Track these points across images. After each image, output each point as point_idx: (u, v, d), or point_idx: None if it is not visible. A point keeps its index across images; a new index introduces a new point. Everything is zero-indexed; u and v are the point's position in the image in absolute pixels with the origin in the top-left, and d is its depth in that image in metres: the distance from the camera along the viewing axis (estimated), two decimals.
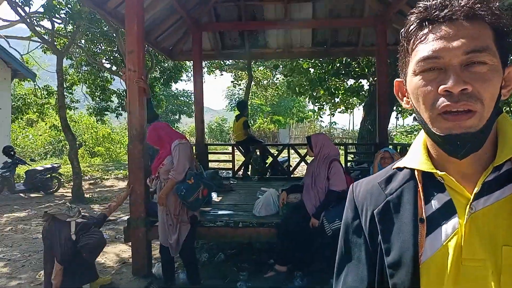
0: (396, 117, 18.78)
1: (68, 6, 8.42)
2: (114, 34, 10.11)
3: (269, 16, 7.19)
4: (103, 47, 11.46)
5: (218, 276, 4.23)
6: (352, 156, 9.29)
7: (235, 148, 8.06)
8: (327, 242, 3.59)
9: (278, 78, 19.78)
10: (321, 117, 17.32)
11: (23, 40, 11.30)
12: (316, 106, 12.82)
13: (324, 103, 12.23)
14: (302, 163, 7.89)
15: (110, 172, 13.22)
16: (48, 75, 13.86)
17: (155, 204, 4.05)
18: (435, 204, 0.74)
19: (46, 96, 12.50)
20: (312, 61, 11.03)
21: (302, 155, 7.66)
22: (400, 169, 0.83)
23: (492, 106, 0.67)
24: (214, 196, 5.37)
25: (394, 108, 10.44)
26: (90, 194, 9.40)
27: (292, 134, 27.61)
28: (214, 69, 15.32)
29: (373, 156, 5.98)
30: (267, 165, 8.06)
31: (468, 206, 0.70)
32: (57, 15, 8.20)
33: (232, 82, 17.61)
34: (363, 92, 11.33)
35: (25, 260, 4.88)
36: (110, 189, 10.36)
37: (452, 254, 0.70)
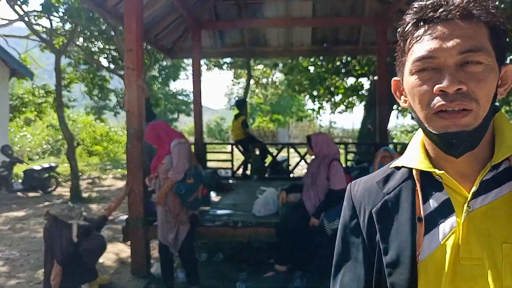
0: (396, 116, 18.78)
1: (66, 4, 8.37)
2: (112, 33, 10.07)
3: (269, 14, 7.16)
4: (101, 46, 11.41)
5: (217, 276, 4.21)
6: (352, 155, 9.27)
7: (234, 147, 8.03)
8: (326, 241, 3.57)
9: (277, 76, 19.78)
10: (320, 115, 17.30)
11: (21, 39, 11.26)
12: (315, 105, 12.81)
13: (324, 102, 12.21)
14: (302, 163, 7.88)
15: (108, 171, 13.20)
16: (46, 74, 13.84)
17: (153, 203, 4.03)
18: (433, 203, 0.75)
19: (44, 95, 12.46)
20: (312, 59, 11.02)
21: (302, 154, 7.64)
22: (398, 168, 0.83)
23: (487, 105, 0.68)
24: (213, 195, 5.35)
25: (395, 107, 10.43)
26: (88, 193, 9.37)
27: (291, 133, 27.63)
28: (212, 66, 15.29)
29: (373, 155, 5.96)
30: (266, 165, 8.04)
31: (466, 205, 0.70)
32: (54, 14, 8.15)
33: (232, 80, 17.59)
34: (363, 91, 11.32)
35: (24, 259, 4.85)
36: (108, 189, 10.33)
37: (449, 253, 0.70)
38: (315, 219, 3.69)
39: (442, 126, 0.67)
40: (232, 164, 7.80)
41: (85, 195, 8.95)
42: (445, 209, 0.73)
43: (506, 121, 0.75)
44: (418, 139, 0.82)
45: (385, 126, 6.86)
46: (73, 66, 12.18)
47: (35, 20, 8.92)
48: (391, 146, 7.34)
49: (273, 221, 4.13)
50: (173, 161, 3.58)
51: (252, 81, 17.44)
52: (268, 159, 8.13)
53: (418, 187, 0.77)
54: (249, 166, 7.97)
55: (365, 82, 11.38)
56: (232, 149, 8.01)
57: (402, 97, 0.80)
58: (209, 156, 8.00)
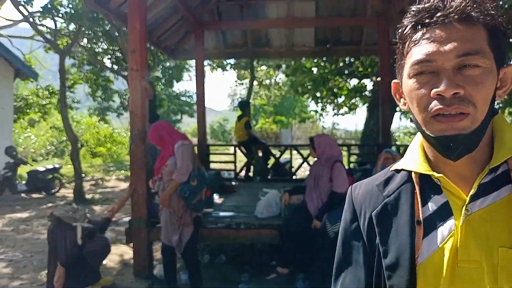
0: (399, 118, 18.73)
1: (70, 6, 8.40)
2: (116, 33, 10.10)
3: (272, 15, 7.16)
4: (105, 47, 11.45)
5: (219, 278, 4.20)
6: (355, 157, 9.25)
7: (237, 148, 8.03)
8: (329, 244, 3.55)
9: (280, 78, 19.77)
10: (323, 117, 17.29)
11: (25, 40, 11.31)
12: (318, 106, 12.79)
13: (327, 103, 12.19)
14: (304, 164, 7.87)
15: (111, 172, 13.23)
16: (50, 75, 13.89)
17: (157, 205, 4.03)
18: (432, 206, 0.75)
19: (48, 96, 12.51)
20: (315, 60, 11.00)
21: (304, 156, 7.63)
22: (398, 171, 0.84)
23: (485, 108, 0.68)
24: (216, 197, 5.34)
25: (398, 108, 10.39)
26: (92, 195, 9.39)
27: (294, 135, 27.62)
28: (216, 67, 15.30)
29: (376, 157, 5.94)
30: (269, 166, 8.03)
31: (464, 208, 0.70)
32: (56, 15, 8.15)
33: (235, 81, 17.61)
34: (366, 92, 11.29)
35: (27, 261, 4.86)
36: (112, 190, 10.35)
37: (448, 255, 0.70)
38: (318, 221, 3.68)
39: (440, 129, 0.67)
40: (235, 166, 7.80)
41: (88, 196, 8.98)
42: (444, 212, 0.73)
43: (505, 123, 0.74)
44: (417, 142, 0.82)
45: (388, 127, 6.85)
46: (77, 67, 12.23)
47: (39, 20, 8.96)
48: (394, 148, 7.30)
49: (276, 223, 4.13)
50: (177, 163, 3.57)
51: (255, 82, 17.44)
52: (271, 161, 8.12)
53: (417, 190, 0.77)
54: (252, 167, 7.97)
55: (368, 83, 11.36)
56: (235, 150, 8.01)
57: (402, 99, 0.80)
58: (212, 157, 7.99)
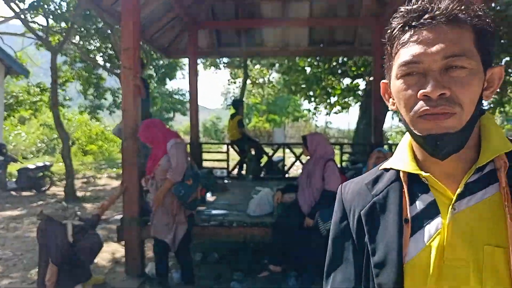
0: (392, 117, 18.86)
1: (59, 4, 8.31)
2: (109, 31, 10.03)
3: (266, 14, 7.17)
4: (97, 44, 11.37)
5: (212, 276, 4.20)
6: (348, 156, 9.30)
7: (229, 147, 8.03)
8: (321, 242, 3.57)
9: (274, 76, 19.79)
10: (316, 114, 17.31)
11: (17, 37, 11.18)
12: (311, 105, 12.83)
13: (321, 102, 12.23)
14: (297, 163, 7.89)
15: (103, 170, 13.15)
16: (41, 72, 13.75)
17: (148, 203, 4.01)
18: (419, 204, 0.76)
19: (39, 93, 12.39)
20: (309, 60, 11.03)
21: (297, 154, 7.65)
22: (386, 170, 0.85)
23: (471, 109, 0.69)
24: (208, 195, 5.33)
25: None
26: (83, 192, 9.33)
27: (287, 133, 27.66)
28: (209, 66, 15.27)
29: (368, 155, 5.98)
30: (262, 165, 8.04)
31: (451, 206, 0.71)
32: (43, 14, 8.03)
33: (228, 80, 17.58)
34: (359, 92, 11.35)
35: (17, 259, 4.82)
36: (103, 188, 10.29)
37: (435, 254, 0.71)
38: (310, 219, 3.70)
39: (427, 128, 0.68)
40: (228, 164, 7.79)
41: (79, 194, 8.91)
42: (431, 211, 0.74)
43: (492, 123, 0.76)
44: (406, 142, 0.83)
45: (380, 126, 6.90)
46: (69, 64, 12.13)
47: (31, 18, 8.86)
48: (386, 146, 7.36)
49: (268, 221, 4.14)
50: (171, 162, 3.54)
51: (248, 81, 17.42)
52: (264, 159, 8.13)
53: (405, 189, 0.78)
54: (244, 166, 7.97)
55: (361, 83, 11.41)
56: (227, 149, 8.00)
57: (391, 99, 0.81)
58: (205, 155, 7.98)
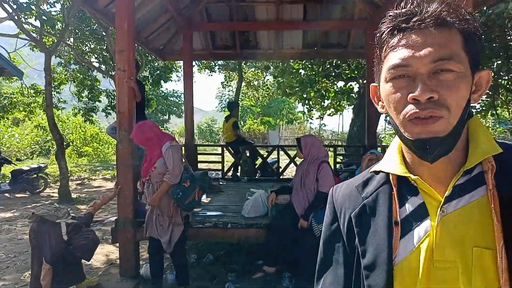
0: (385, 119, 18.95)
1: (48, 5, 8.27)
2: (103, 33, 10.01)
3: (261, 17, 7.20)
4: (92, 46, 11.34)
5: (206, 277, 4.21)
6: (341, 158, 9.34)
7: (224, 149, 8.04)
8: (315, 243, 3.59)
9: (268, 79, 19.82)
10: (311, 118, 17.35)
11: (10, 38, 11.11)
12: (306, 107, 12.87)
13: (315, 105, 12.27)
14: (292, 165, 7.91)
15: (97, 172, 13.10)
16: (35, 73, 13.65)
17: (143, 204, 4.01)
18: (409, 207, 0.77)
19: (33, 95, 12.32)
20: (303, 62, 11.07)
21: (292, 156, 7.68)
22: (376, 172, 0.85)
23: (459, 112, 0.69)
24: (203, 197, 5.34)
25: None
26: (77, 194, 9.29)
27: (281, 136, 27.70)
28: (204, 69, 15.28)
29: (361, 158, 6.01)
30: (256, 166, 8.06)
31: (440, 209, 0.72)
32: (32, 15, 7.97)
33: (222, 83, 17.57)
34: (353, 94, 11.40)
35: (10, 261, 4.79)
36: (98, 190, 10.25)
37: (424, 255, 0.72)
38: (304, 220, 3.72)
39: (416, 132, 0.69)
40: (223, 166, 7.81)
41: (74, 196, 8.88)
42: (420, 213, 0.75)
43: (480, 126, 0.76)
44: (395, 145, 0.84)
45: (374, 129, 6.94)
46: (63, 66, 12.08)
47: (25, 19, 8.83)
48: (379, 149, 7.41)
49: (263, 223, 4.16)
50: (167, 165, 3.52)
51: (243, 83, 17.45)
52: (258, 161, 8.16)
53: (394, 192, 0.79)
54: (239, 167, 7.99)
55: (355, 85, 11.47)
56: (222, 150, 8.02)
57: (380, 102, 0.81)
58: (200, 157, 7.99)
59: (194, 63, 10.47)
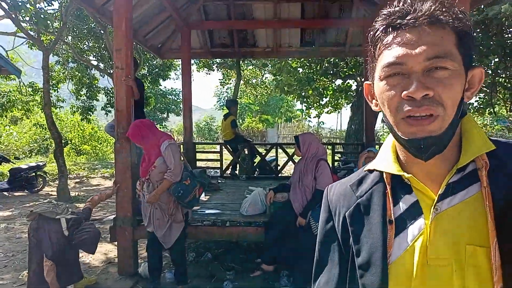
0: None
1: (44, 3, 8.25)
2: (101, 31, 10.00)
3: (259, 15, 7.19)
4: (90, 44, 11.32)
5: (204, 275, 4.22)
6: (339, 155, 9.36)
7: (223, 147, 8.05)
8: (313, 241, 3.60)
9: (267, 77, 19.80)
10: (309, 116, 17.34)
11: (8, 36, 11.08)
12: (304, 105, 12.88)
13: (313, 103, 12.28)
14: (290, 163, 7.93)
15: (96, 170, 13.09)
16: (33, 72, 13.63)
17: (140, 202, 4.01)
18: (403, 205, 0.77)
19: (31, 93, 12.30)
20: (301, 60, 11.08)
21: (290, 154, 7.69)
22: (370, 171, 0.85)
23: (454, 110, 0.69)
24: (202, 195, 5.35)
25: None
26: (76, 193, 9.29)
27: (280, 134, 27.70)
28: (202, 67, 15.26)
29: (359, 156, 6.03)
30: (255, 165, 8.07)
31: (433, 207, 0.72)
32: (27, 15, 7.95)
33: (219, 80, 17.55)
34: (351, 92, 11.42)
35: (8, 260, 4.80)
36: (96, 188, 10.25)
37: (418, 254, 0.72)
38: (302, 218, 3.73)
39: (411, 132, 0.69)
40: (221, 164, 7.82)
41: (72, 194, 8.88)
42: (414, 211, 0.75)
43: (473, 124, 0.76)
44: (389, 143, 0.84)
45: (371, 127, 6.95)
46: (61, 64, 12.06)
47: (22, 17, 8.80)
48: (377, 147, 7.42)
49: (261, 221, 4.17)
50: (168, 163, 3.51)
51: (241, 81, 17.42)
52: (257, 159, 8.17)
53: (388, 190, 0.79)
54: (237, 166, 7.99)
55: (353, 84, 11.48)
56: (221, 149, 8.02)
57: (374, 100, 0.81)
58: (199, 155, 8.00)
59: (192, 62, 10.45)
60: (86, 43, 11.30)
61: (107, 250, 5.10)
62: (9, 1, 7.09)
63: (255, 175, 7.82)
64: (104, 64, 11.73)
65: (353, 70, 10.50)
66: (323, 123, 32.42)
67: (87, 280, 3.92)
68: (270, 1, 6.76)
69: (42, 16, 6.83)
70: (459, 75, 0.69)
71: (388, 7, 0.73)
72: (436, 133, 0.68)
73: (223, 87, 21.94)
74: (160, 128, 24.78)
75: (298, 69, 11.35)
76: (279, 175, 7.77)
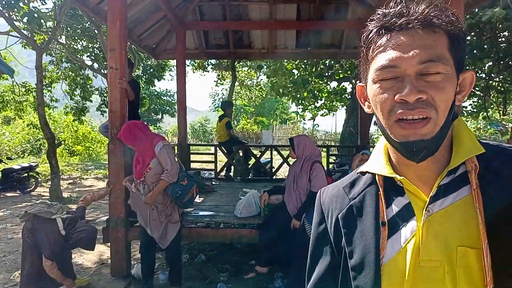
0: None
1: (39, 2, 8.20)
2: (96, 31, 9.93)
3: (254, 16, 7.20)
4: (84, 44, 11.25)
5: (198, 277, 4.20)
6: (334, 158, 9.37)
7: (217, 148, 8.03)
8: (308, 243, 3.59)
9: (262, 79, 19.82)
10: (304, 119, 17.40)
11: (1, 35, 11.00)
12: (299, 108, 12.90)
13: (308, 105, 12.30)
14: (285, 165, 7.92)
15: (89, 171, 13.01)
16: (26, 71, 13.53)
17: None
18: (395, 207, 0.78)
19: (25, 93, 12.21)
20: (296, 62, 11.09)
21: (285, 156, 7.69)
22: (363, 173, 0.86)
23: (446, 113, 0.70)
24: (197, 195, 5.33)
25: None
26: (69, 194, 9.22)
27: (275, 136, 27.71)
28: (197, 68, 15.24)
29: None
30: (249, 166, 8.06)
31: (425, 209, 0.73)
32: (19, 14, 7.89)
33: (215, 81, 17.52)
34: (346, 95, 11.45)
35: None
36: (89, 189, 10.18)
37: (410, 255, 0.72)
38: (297, 220, 3.72)
39: (403, 135, 0.69)
40: (216, 166, 7.79)
41: (65, 195, 8.81)
42: (407, 213, 0.75)
43: (464, 127, 0.77)
44: (381, 145, 0.84)
45: (366, 129, 6.96)
46: (55, 64, 11.98)
47: (15, 16, 8.73)
48: (371, 149, 7.44)
49: (255, 223, 4.16)
50: (164, 164, 3.49)
51: (236, 83, 17.42)
52: (252, 161, 8.15)
53: (381, 192, 0.79)
54: (232, 167, 7.97)
55: (348, 86, 11.52)
56: (215, 150, 8.00)
57: (366, 103, 0.82)
58: (193, 157, 7.96)
59: (187, 62, 10.43)
60: (80, 42, 11.23)
61: (100, 251, 5.06)
62: (2, 0, 7.02)
63: (249, 177, 7.80)
64: (98, 64, 11.66)
65: (349, 72, 10.53)
66: (318, 125, 32.52)
67: (79, 281, 3.88)
68: (266, 2, 6.76)
69: (35, 15, 6.75)
70: (451, 79, 0.70)
71: (383, 8, 0.73)
72: (428, 136, 0.69)
73: (218, 87, 21.95)
74: (155, 129, 24.72)
75: (293, 71, 11.36)
76: (274, 177, 7.76)
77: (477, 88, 8.29)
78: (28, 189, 9.29)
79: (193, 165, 7.98)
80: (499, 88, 8.38)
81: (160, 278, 4.02)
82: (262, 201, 4.21)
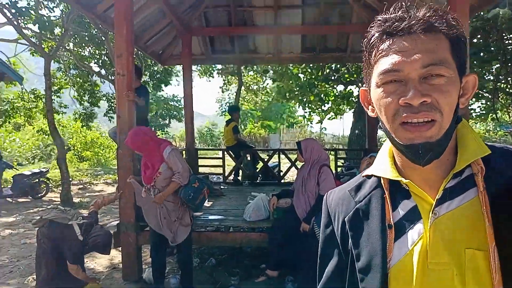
0: None
1: (47, 10, 8.32)
2: (103, 38, 10.05)
3: (259, 21, 7.24)
4: (91, 50, 11.38)
5: (209, 281, 4.22)
6: (342, 161, 9.35)
7: (225, 153, 8.06)
8: (317, 246, 3.59)
9: (268, 83, 19.86)
10: (311, 122, 17.36)
11: (10, 43, 11.16)
12: (306, 112, 12.91)
13: (315, 109, 12.29)
14: (293, 168, 7.93)
15: (99, 176, 13.11)
16: (35, 78, 13.71)
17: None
18: (401, 210, 0.78)
19: (34, 100, 12.36)
20: (302, 66, 11.11)
21: (293, 160, 7.70)
22: (369, 176, 0.86)
23: (451, 115, 0.70)
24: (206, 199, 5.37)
25: None
26: (79, 199, 9.30)
27: (282, 139, 27.69)
28: (203, 73, 15.34)
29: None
30: (257, 170, 8.08)
31: (432, 211, 0.73)
32: (31, 21, 8.00)
33: (220, 87, 17.59)
34: (353, 98, 11.43)
35: (13, 266, 4.80)
36: (100, 194, 10.26)
37: (418, 258, 0.73)
38: (306, 224, 3.73)
39: (408, 138, 0.70)
40: (224, 170, 7.82)
41: (76, 200, 8.89)
42: (413, 216, 0.76)
43: (468, 130, 0.78)
44: (386, 149, 0.85)
45: (374, 133, 6.96)
46: (63, 70, 12.13)
47: (24, 24, 8.87)
48: None
49: (264, 226, 4.17)
50: (174, 168, 3.52)
51: (242, 87, 17.47)
52: (259, 165, 8.17)
53: (387, 195, 0.80)
54: (240, 171, 8.01)
55: (355, 89, 11.51)
56: (223, 154, 8.03)
57: (370, 106, 0.82)
58: (201, 161, 8.01)
59: (194, 68, 10.49)
60: (88, 49, 11.37)
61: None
62: (11, 8, 7.15)
63: (257, 181, 7.82)
64: (106, 70, 11.78)
65: (355, 76, 10.52)
66: (325, 129, 32.42)
67: (91, 285, 3.91)
68: (270, 7, 6.80)
69: (46, 23, 6.87)
70: (454, 82, 0.70)
71: (384, 13, 0.75)
72: (433, 139, 0.69)
73: (224, 92, 22.00)
74: (162, 134, 24.85)
75: (299, 75, 11.38)
76: (282, 180, 7.77)
77: (485, 90, 8.25)
78: (39, 195, 9.37)
79: (201, 170, 8.02)
80: (507, 90, 8.33)
81: (171, 282, 4.04)
82: (271, 204, 4.23)
